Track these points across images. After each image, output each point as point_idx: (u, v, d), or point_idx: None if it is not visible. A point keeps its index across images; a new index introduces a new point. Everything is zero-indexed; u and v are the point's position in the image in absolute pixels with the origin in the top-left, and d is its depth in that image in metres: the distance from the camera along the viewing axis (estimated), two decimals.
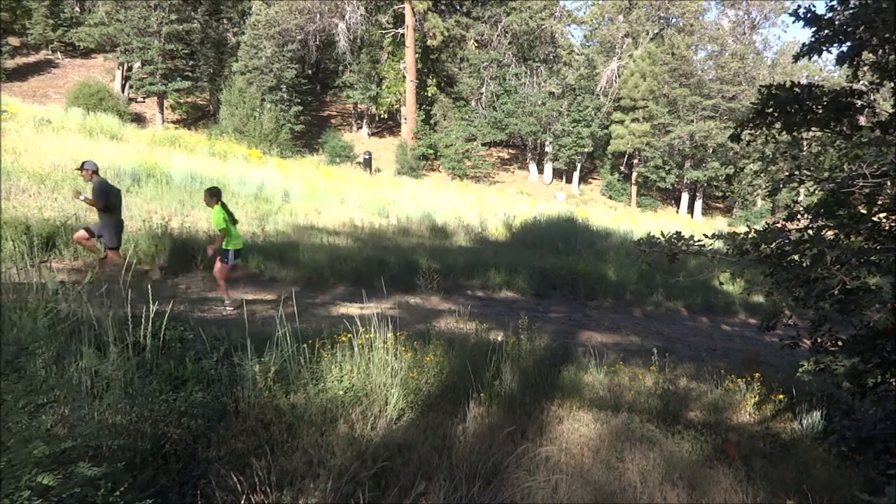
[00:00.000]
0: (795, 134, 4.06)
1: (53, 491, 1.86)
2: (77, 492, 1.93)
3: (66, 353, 3.42)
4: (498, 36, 38.85)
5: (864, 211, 3.39)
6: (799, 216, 3.81)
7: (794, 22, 3.78)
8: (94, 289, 5.16)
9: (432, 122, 38.61)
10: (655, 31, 41.02)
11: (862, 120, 3.99)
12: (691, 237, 3.61)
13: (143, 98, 34.72)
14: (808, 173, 3.69)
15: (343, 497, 2.95)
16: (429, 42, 36.66)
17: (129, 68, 34.27)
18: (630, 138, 37.52)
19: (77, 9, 37.56)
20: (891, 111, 3.73)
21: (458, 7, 39.75)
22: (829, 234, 3.41)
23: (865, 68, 3.99)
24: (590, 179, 44.04)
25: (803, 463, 4.12)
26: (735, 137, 4.19)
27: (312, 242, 10.92)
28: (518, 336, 5.37)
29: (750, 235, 3.49)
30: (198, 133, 27.07)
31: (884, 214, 3.47)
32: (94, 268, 7.17)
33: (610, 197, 40.44)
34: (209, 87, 35.94)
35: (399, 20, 36.63)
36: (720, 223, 37.52)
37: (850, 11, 3.76)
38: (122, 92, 34.10)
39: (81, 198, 7.19)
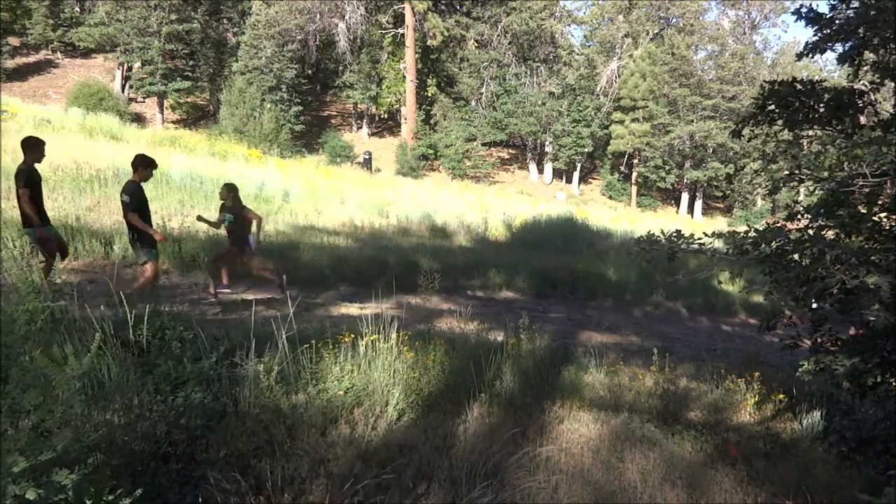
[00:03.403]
0: (796, 132, 4.05)
1: (34, 502, 1.84)
2: (60, 499, 1.92)
3: (60, 353, 3.41)
4: (498, 36, 38.84)
5: (864, 211, 3.39)
6: (799, 216, 3.81)
7: (795, 21, 3.78)
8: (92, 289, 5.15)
9: (432, 122, 38.60)
10: (655, 31, 41.02)
11: (863, 119, 3.98)
12: (691, 235, 3.61)
13: (143, 98, 34.72)
14: (808, 172, 3.68)
15: (344, 497, 2.94)
16: (429, 42, 36.65)
17: (129, 68, 34.27)
18: (630, 138, 37.51)
19: (77, 9, 37.55)
20: (892, 111, 3.73)
21: (458, 7, 39.74)
22: (830, 233, 3.41)
23: (866, 68, 3.99)
24: (590, 179, 44.03)
25: (804, 463, 4.12)
26: (736, 133, 4.18)
27: (312, 242, 10.91)
28: (518, 336, 5.37)
29: (750, 234, 3.48)
30: (198, 133, 27.06)
31: (884, 214, 3.46)
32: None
33: (610, 197, 40.43)
34: (209, 87, 35.94)
35: (399, 20, 36.62)
36: (720, 223, 37.51)
37: (852, 10, 3.76)
38: (122, 92, 34.09)
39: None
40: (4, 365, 2.24)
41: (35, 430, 2.14)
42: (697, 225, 33.95)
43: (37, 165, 5.92)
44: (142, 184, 5.89)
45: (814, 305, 3.39)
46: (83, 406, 2.79)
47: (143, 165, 5.83)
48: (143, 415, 3.06)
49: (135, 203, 5.66)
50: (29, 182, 5.70)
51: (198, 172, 14.38)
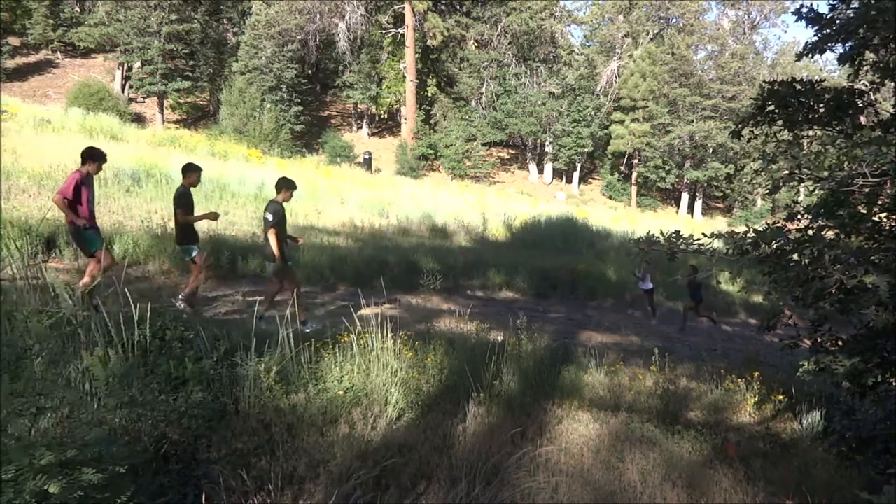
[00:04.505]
0: (796, 132, 4.06)
1: (56, 497, 1.85)
2: (80, 495, 1.93)
3: (64, 354, 3.42)
4: (498, 36, 38.84)
5: (864, 211, 3.39)
6: (799, 216, 3.81)
7: (795, 21, 3.78)
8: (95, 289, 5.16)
9: (432, 122, 38.60)
10: (655, 31, 41.03)
11: (863, 119, 3.98)
12: (690, 236, 3.61)
13: (143, 98, 34.71)
14: (808, 172, 3.68)
15: (344, 497, 2.95)
16: (429, 42, 36.65)
17: (129, 68, 34.26)
18: (630, 138, 37.52)
19: (77, 9, 37.54)
20: (892, 111, 3.73)
21: (458, 7, 39.73)
22: (830, 234, 3.41)
23: (866, 68, 3.99)
24: (590, 179, 44.03)
25: (804, 463, 4.12)
26: (736, 134, 4.19)
27: (312, 242, 10.91)
28: (518, 336, 5.37)
29: (749, 235, 3.48)
30: (198, 133, 27.07)
31: (884, 214, 3.47)
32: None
33: (610, 197, 40.43)
34: (209, 87, 35.93)
35: (399, 20, 36.62)
36: (720, 223, 37.50)
37: (852, 10, 3.76)
38: (122, 92, 34.08)
39: None
40: (16, 365, 2.25)
41: (63, 427, 2.16)
42: (697, 225, 33.95)
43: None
44: (283, 204, 6.48)
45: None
46: (89, 406, 2.80)
47: (287, 188, 6.42)
48: (145, 414, 3.07)
49: (276, 222, 6.20)
50: (187, 204, 6.28)
51: None
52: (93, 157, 5.86)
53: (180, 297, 6.26)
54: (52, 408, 2.21)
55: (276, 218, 6.21)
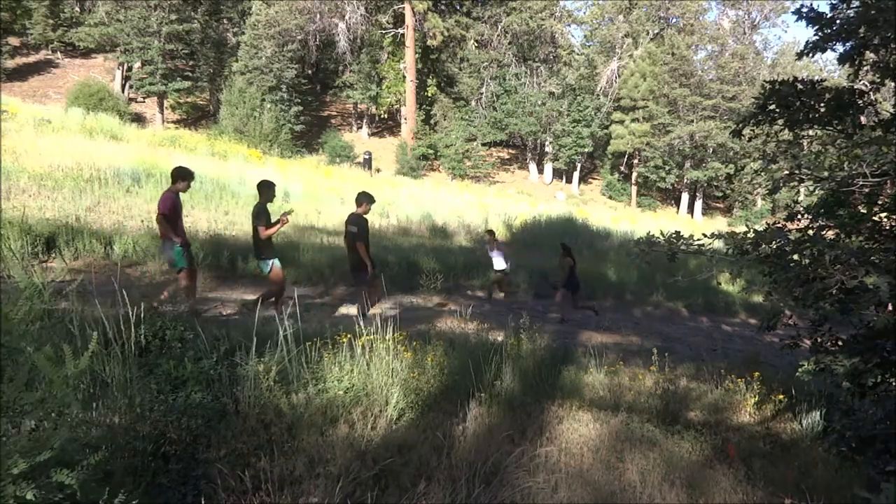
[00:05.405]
0: (797, 132, 4.06)
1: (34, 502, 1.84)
2: (60, 498, 1.92)
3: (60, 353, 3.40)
4: (498, 36, 38.84)
5: (864, 211, 3.39)
6: (799, 216, 3.81)
7: (796, 21, 3.79)
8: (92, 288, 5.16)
9: (432, 122, 38.61)
10: (655, 31, 41.04)
11: (863, 119, 3.99)
12: (691, 236, 3.61)
13: (143, 98, 34.71)
14: (808, 172, 3.68)
15: (343, 497, 2.94)
16: (429, 42, 36.65)
17: (129, 68, 34.26)
18: (630, 138, 37.52)
19: (77, 9, 37.55)
20: (892, 111, 3.73)
21: (458, 7, 39.74)
22: (830, 234, 3.41)
23: (867, 68, 3.99)
24: (590, 179, 44.03)
25: (804, 463, 4.12)
26: (736, 133, 4.19)
27: (312, 242, 10.91)
28: (518, 336, 5.37)
29: (749, 235, 3.48)
30: (198, 133, 27.05)
31: (884, 214, 3.47)
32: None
33: (610, 197, 40.43)
34: (209, 87, 35.93)
35: (399, 20, 36.62)
36: (720, 223, 37.51)
37: (852, 10, 3.76)
38: (122, 92, 34.09)
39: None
40: (2, 364, 2.23)
41: (35, 431, 2.14)
42: (697, 225, 33.95)
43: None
44: (365, 216, 6.77)
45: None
46: (80, 406, 2.79)
47: (367, 201, 6.79)
48: (144, 415, 3.06)
49: (362, 234, 6.53)
50: (266, 220, 6.49)
51: (198, 172, 14.33)
52: (182, 176, 6.28)
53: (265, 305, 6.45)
54: (31, 408, 2.18)
55: (362, 230, 6.58)
